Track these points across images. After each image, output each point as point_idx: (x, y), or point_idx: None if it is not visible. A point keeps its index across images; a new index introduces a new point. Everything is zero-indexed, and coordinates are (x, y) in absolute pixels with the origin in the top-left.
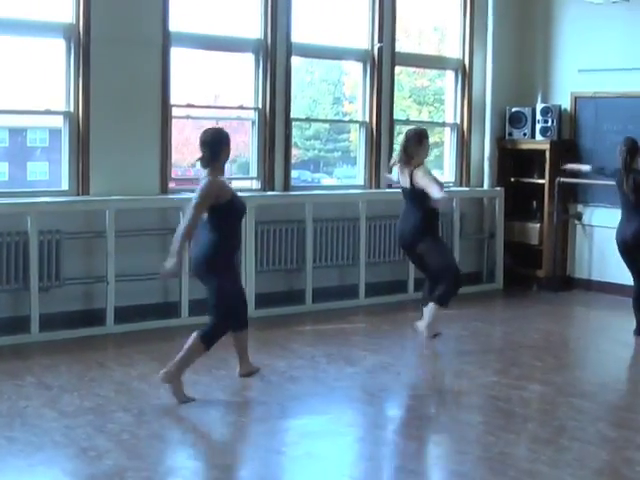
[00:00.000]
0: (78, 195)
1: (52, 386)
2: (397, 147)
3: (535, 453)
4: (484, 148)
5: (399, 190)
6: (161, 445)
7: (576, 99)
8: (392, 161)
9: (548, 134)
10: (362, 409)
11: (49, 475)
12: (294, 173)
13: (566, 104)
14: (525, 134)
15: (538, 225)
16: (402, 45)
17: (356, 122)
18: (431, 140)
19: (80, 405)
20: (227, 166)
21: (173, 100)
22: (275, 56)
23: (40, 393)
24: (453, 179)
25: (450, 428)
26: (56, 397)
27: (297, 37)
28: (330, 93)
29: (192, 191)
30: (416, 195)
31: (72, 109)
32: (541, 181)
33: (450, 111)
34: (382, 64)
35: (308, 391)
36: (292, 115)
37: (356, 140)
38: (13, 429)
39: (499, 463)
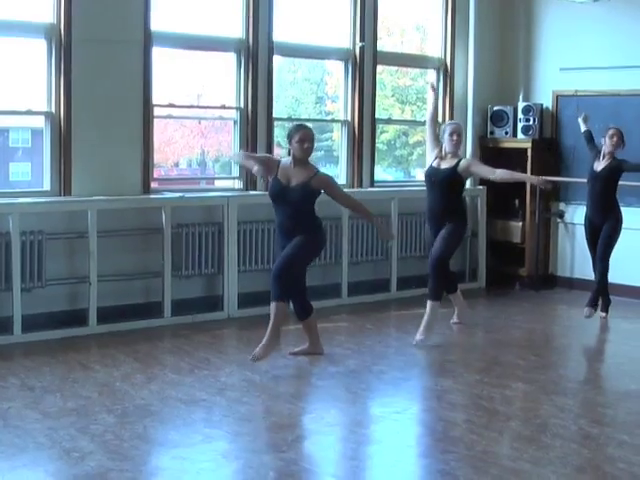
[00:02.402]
0: (60, 195)
1: (35, 387)
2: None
3: (518, 451)
4: (466, 147)
5: (381, 190)
6: (145, 446)
7: (558, 97)
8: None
9: (530, 132)
10: (345, 408)
11: (32, 477)
12: None
13: (548, 102)
14: (507, 133)
15: (520, 224)
16: (384, 44)
17: (338, 121)
18: (413, 139)
19: (63, 406)
20: (209, 165)
21: (155, 100)
22: (257, 55)
23: (23, 394)
24: None
25: (433, 427)
26: (39, 398)
27: (279, 36)
28: (313, 92)
29: (174, 191)
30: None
31: (53, 109)
32: None
33: None
34: (364, 63)
35: (291, 390)
36: (274, 114)
37: (339, 139)
38: None
39: (482, 462)
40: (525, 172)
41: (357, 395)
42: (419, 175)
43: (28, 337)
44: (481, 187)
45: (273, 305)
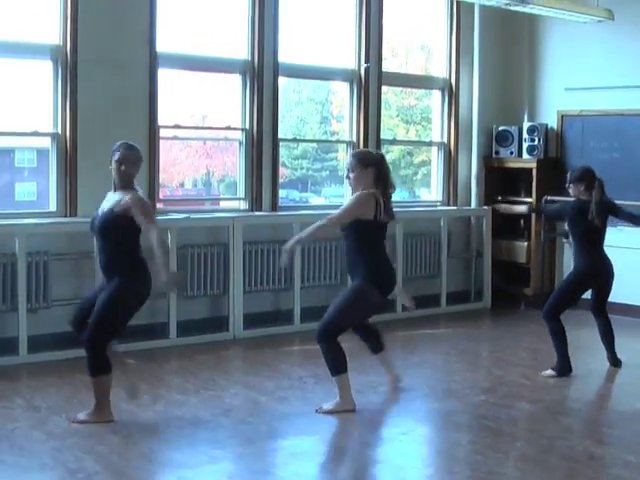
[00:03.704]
0: (66, 216)
1: (40, 408)
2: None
3: (523, 472)
4: (471, 167)
5: None
6: (150, 466)
7: (563, 117)
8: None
9: (535, 152)
10: (350, 429)
11: None
12: (282, 192)
13: (553, 122)
14: (512, 153)
15: (525, 243)
16: (389, 65)
17: (343, 142)
18: (418, 159)
19: (68, 427)
20: (214, 185)
21: (160, 121)
22: (262, 77)
23: (28, 415)
24: (440, 198)
25: (439, 447)
26: (44, 419)
27: (284, 57)
28: (318, 112)
29: (179, 211)
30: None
31: (59, 130)
32: (528, 199)
33: (437, 130)
34: (369, 84)
35: (296, 411)
36: (279, 135)
37: (344, 159)
38: (1, 451)
39: None
40: (530, 192)
41: (362, 416)
42: (424, 195)
43: (34, 358)
44: (486, 207)
45: None
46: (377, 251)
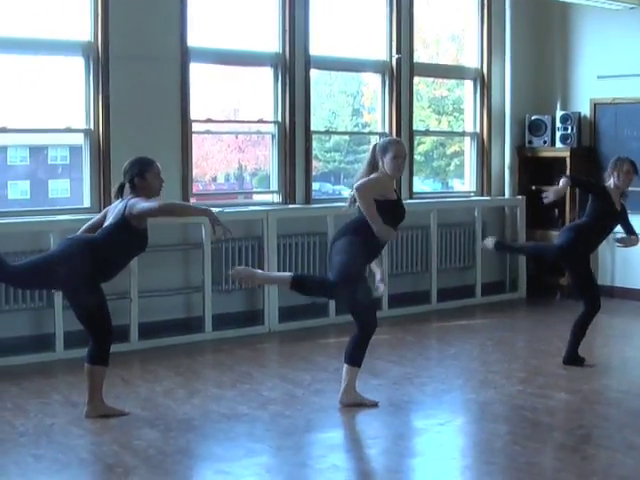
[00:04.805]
0: (100, 212)
1: (78, 403)
2: None
3: (561, 462)
4: (504, 157)
5: (420, 201)
6: (188, 460)
7: (595, 106)
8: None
9: (568, 141)
10: (387, 421)
11: None
12: (315, 185)
13: (585, 111)
14: (545, 142)
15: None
16: (420, 55)
17: (375, 134)
18: (450, 150)
19: (106, 422)
20: (247, 179)
21: (193, 115)
22: (294, 69)
23: (66, 411)
24: (474, 188)
25: (476, 438)
26: (82, 414)
27: (315, 50)
28: (349, 104)
29: (213, 206)
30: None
31: (92, 126)
32: None
33: (470, 120)
34: (400, 75)
35: (333, 404)
36: (312, 128)
37: None
38: (39, 447)
39: (526, 473)
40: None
41: (399, 407)
42: (457, 186)
43: (70, 353)
44: (520, 197)
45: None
46: None
